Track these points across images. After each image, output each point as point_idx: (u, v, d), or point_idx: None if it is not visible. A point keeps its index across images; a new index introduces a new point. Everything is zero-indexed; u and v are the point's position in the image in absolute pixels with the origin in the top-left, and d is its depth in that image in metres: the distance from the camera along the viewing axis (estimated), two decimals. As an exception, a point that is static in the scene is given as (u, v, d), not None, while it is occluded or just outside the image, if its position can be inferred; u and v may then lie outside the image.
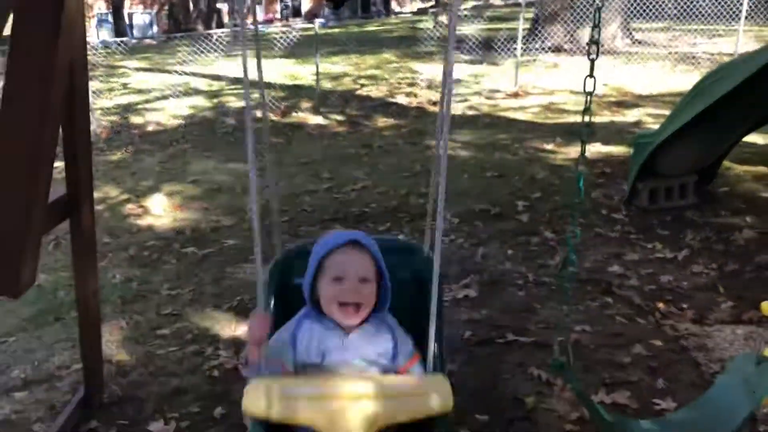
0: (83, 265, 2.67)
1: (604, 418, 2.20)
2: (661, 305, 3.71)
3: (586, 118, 1.79)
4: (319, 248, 1.72)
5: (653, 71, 11.74)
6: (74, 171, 2.41)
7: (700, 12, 13.42)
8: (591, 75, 1.73)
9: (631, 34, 14.89)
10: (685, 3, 13.03)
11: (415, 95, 11.24)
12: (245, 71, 1.54)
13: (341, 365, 1.67)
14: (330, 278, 1.66)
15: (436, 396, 1.49)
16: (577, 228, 1.97)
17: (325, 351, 1.67)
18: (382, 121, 9.63)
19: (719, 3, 12.94)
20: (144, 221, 5.80)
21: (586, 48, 1.75)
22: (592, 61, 1.73)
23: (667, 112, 5.60)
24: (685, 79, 9.97)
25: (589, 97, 1.78)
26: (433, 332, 1.60)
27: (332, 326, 1.69)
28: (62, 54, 1.77)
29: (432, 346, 1.61)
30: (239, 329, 3.71)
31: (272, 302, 1.92)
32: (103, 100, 11.42)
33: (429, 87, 11.52)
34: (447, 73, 1.58)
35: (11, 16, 1.71)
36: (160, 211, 6.05)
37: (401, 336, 1.75)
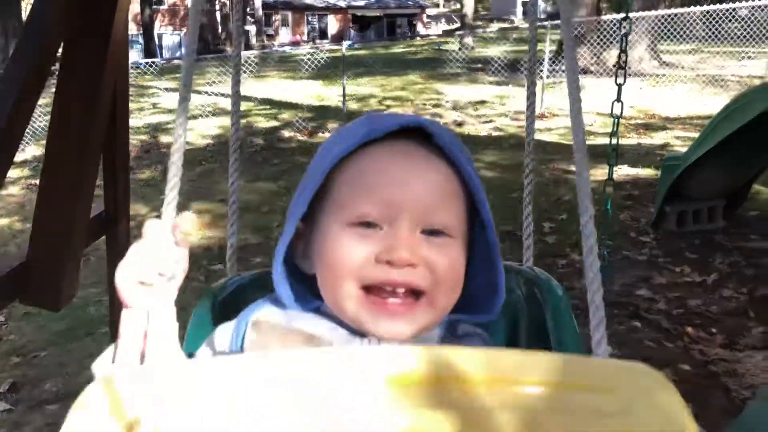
0: (118, 280, 2.73)
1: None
2: (689, 329, 3.67)
3: (614, 141, 1.81)
4: (335, 144, 0.85)
5: (681, 94, 11.67)
6: (112, 189, 2.48)
7: (729, 34, 13.34)
8: (618, 99, 1.76)
9: (658, 56, 14.83)
10: (714, 25, 12.95)
11: (441, 116, 11.31)
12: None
13: None
14: (349, 219, 0.79)
15: None
16: (606, 250, 1.98)
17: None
18: (407, 142, 9.67)
19: (749, 25, 12.86)
20: (173, 239, 5.89)
21: (614, 71, 1.78)
22: (620, 86, 1.76)
23: (694, 135, 5.58)
24: (713, 102, 9.89)
25: (616, 121, 1.81)
26: None
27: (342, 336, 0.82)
28: (107, 78, 1.85)
29: None
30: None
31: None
32: (133, 119, 11.57)
33: (454, 108, 11.59)
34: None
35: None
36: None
37: None
